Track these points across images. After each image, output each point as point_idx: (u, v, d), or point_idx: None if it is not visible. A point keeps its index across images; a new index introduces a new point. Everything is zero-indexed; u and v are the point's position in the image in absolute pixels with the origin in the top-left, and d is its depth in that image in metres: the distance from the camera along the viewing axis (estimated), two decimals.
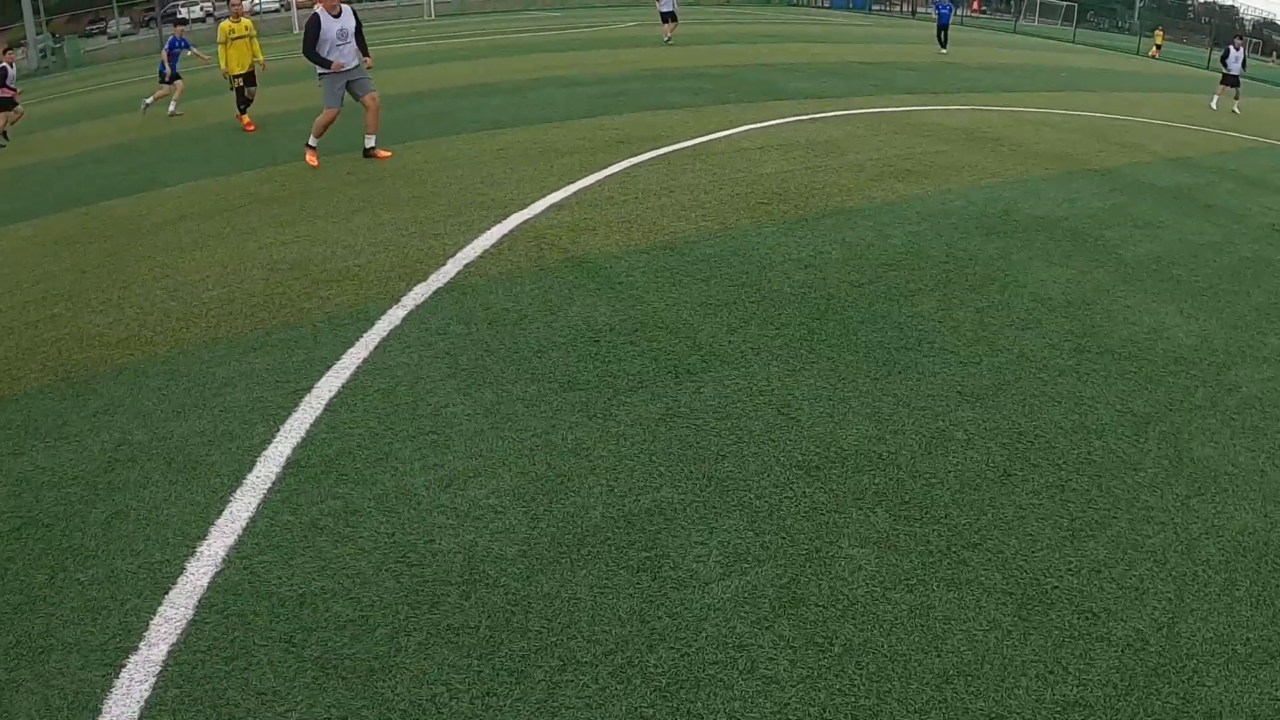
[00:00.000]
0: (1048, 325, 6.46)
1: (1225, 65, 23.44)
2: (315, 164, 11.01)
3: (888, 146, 12.15)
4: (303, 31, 10.49)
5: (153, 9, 58.78)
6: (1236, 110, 21.97)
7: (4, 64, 16.88)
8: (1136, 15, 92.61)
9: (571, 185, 9.86)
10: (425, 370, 5.60)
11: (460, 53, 24.09)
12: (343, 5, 10.47)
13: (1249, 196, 11.21)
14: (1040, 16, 78.66)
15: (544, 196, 9.42)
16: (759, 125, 13.32)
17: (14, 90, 16.88)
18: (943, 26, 30.23)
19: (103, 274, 7.52)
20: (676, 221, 8.56)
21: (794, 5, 72.09)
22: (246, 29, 14.39)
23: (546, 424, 4.96)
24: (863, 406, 5.20)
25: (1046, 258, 7.97)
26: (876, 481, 4.49)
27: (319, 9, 10.26)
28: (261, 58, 14.87)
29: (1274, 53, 62.22)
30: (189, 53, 17.54)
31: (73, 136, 16.50)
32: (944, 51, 28.91)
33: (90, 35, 58.46)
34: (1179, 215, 9.80)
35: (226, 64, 14.21)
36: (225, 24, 14.22)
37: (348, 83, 10.70)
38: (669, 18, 29.01)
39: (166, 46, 16.91)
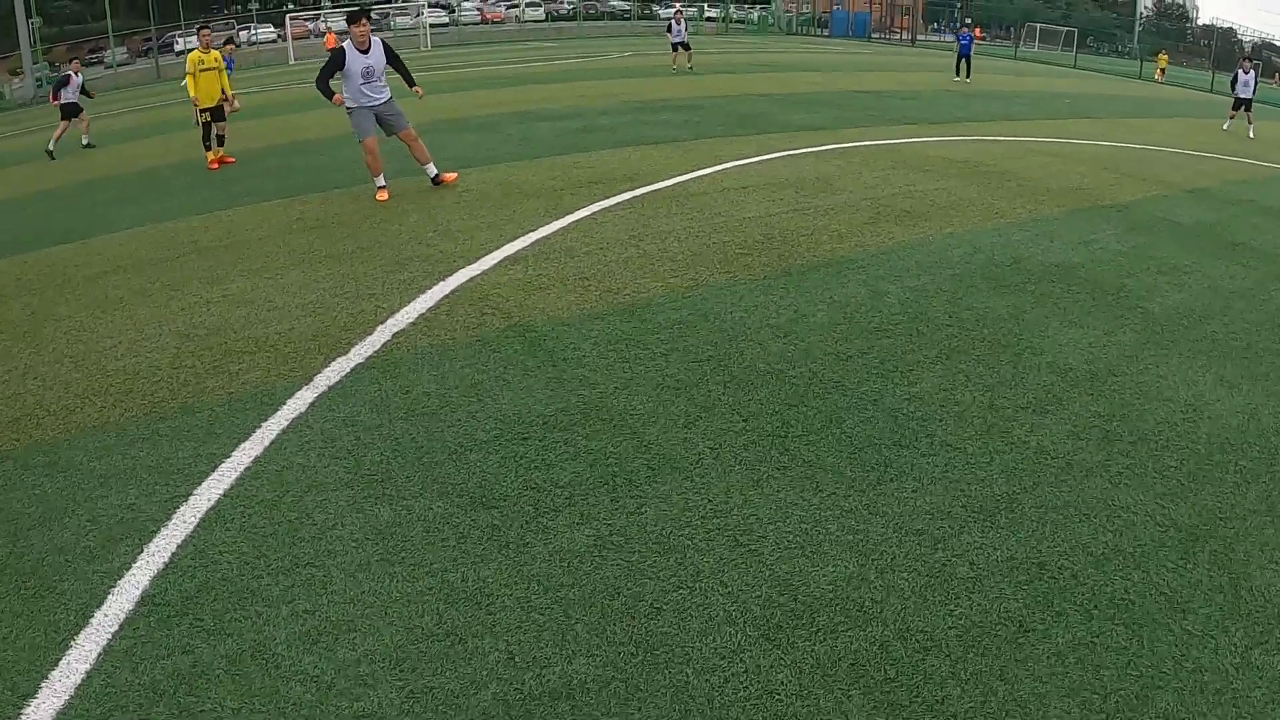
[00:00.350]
0: (1070, 406, 5.42)
1: (1234, 89, 22.89)
2: (385, 198, 10.58)
3: (884, 184, 11.14)
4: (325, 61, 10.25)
5: (150, 39, 58.69)
6: (1251, 135, 21.41)
7: (69, 72, 18.14)
8: (1136, 39, 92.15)
9: (532, 233, 8.89)
10: (320, 475, 4.65)
11: (442, 86, 23.08)
12: (372, 39, 10.16)
13: (1276, 232, 10.15)
14: (1040, 42, 78.03)
15: (499, 247, 8.46)
16: (747, 161, 12.38)
17: (74, 98, 17.89)
18: (964, 56, 29.65)
19: (17, 336, 6.90)
20: (641, 278, 7.55)
21: (792, 34, 71.45)
22: (215, 61, 13.71)
23: (447, 557, 3.99)
24: (843, 532, 4.15)
25: (1064, 316, 6.92)
26: (855, 647, 3.44)
27: (347, 43, 10.10)
28: (230, 93, 14.16)
29: (1275, 74, 61.45)
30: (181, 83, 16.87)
31: (40, 172, 15.73)
32: (967, 80, 28.53)
33: (90, 65, 58.41)
34: (1205, 256, 8.79)
35: (196, 95, 13.55)
36: (194, 54, 13.55)
37: (379, 118, 10.43)
38: (681, 47, 28.38)
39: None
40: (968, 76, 29.05)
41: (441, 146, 13.27)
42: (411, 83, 10.88)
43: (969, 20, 44.64)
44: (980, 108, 21.17)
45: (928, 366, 5.96)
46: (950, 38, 78.73)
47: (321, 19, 64.60)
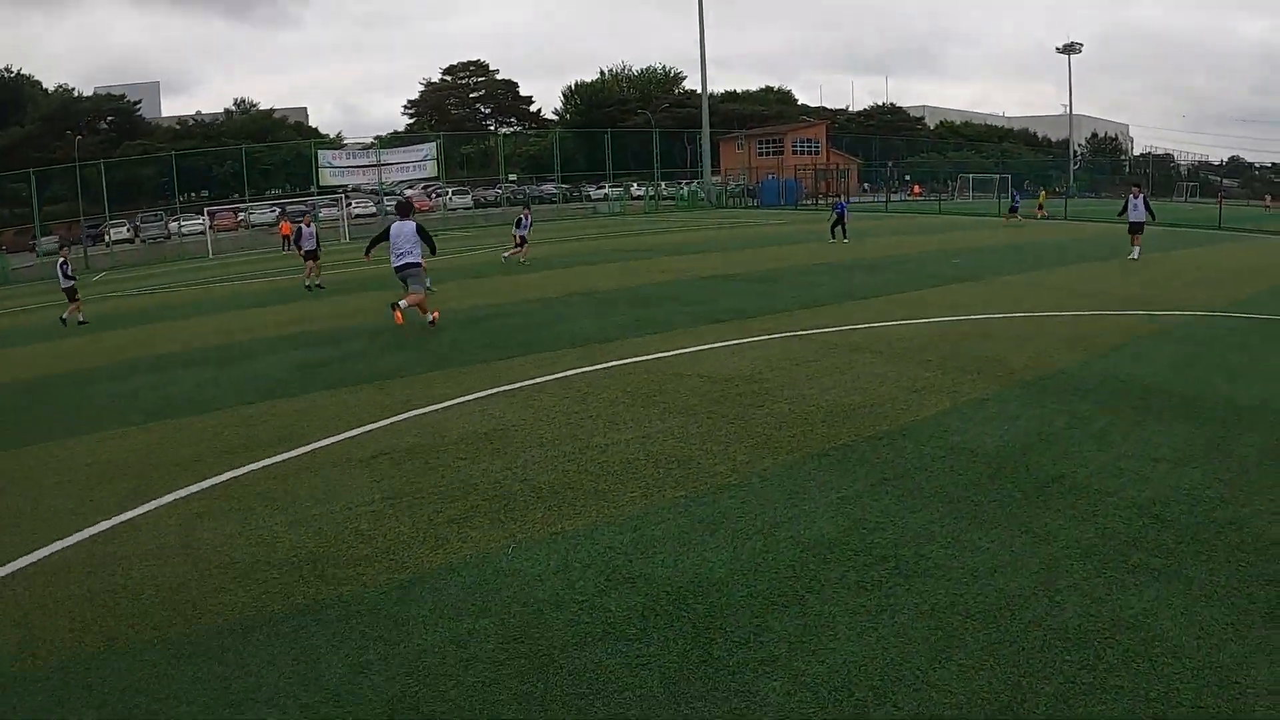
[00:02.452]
0: None
1: (1127, 214, 23.49)
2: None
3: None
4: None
5: (81, 228, 57.15)
6: (1134, 257, 22.18)
7: (61, 259, 20.37)
8: (1072, 179, 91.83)
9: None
10: None
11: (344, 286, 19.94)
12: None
13: (1125, 445, 7.18)
14: (975, 191, 77.08)
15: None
16: (605, 365, 9.19)
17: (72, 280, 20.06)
18: (840, 220, 31.09)
19: None
20: None
21: (723, 207, 70.26)
22: None
23: None
24: None
25: None
26: None
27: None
28: None
29: (1215, 194, 60.09)
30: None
31: None
32: (845, 241, 29.57)
33: (14, 252, 57.22)
34: (994, 533, 5.49)
35: None
36: None
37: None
38: (522, 240, 26.61)
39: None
40: (845, 238, 30.17)
41: (71, 408, 9.97)
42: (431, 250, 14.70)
43: (843, 192, 50.80)
44: (861, 280, 18.86)
45: None
46: (898, 195, 78.27)
47: (248, 211, 63.46)
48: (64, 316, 19.65)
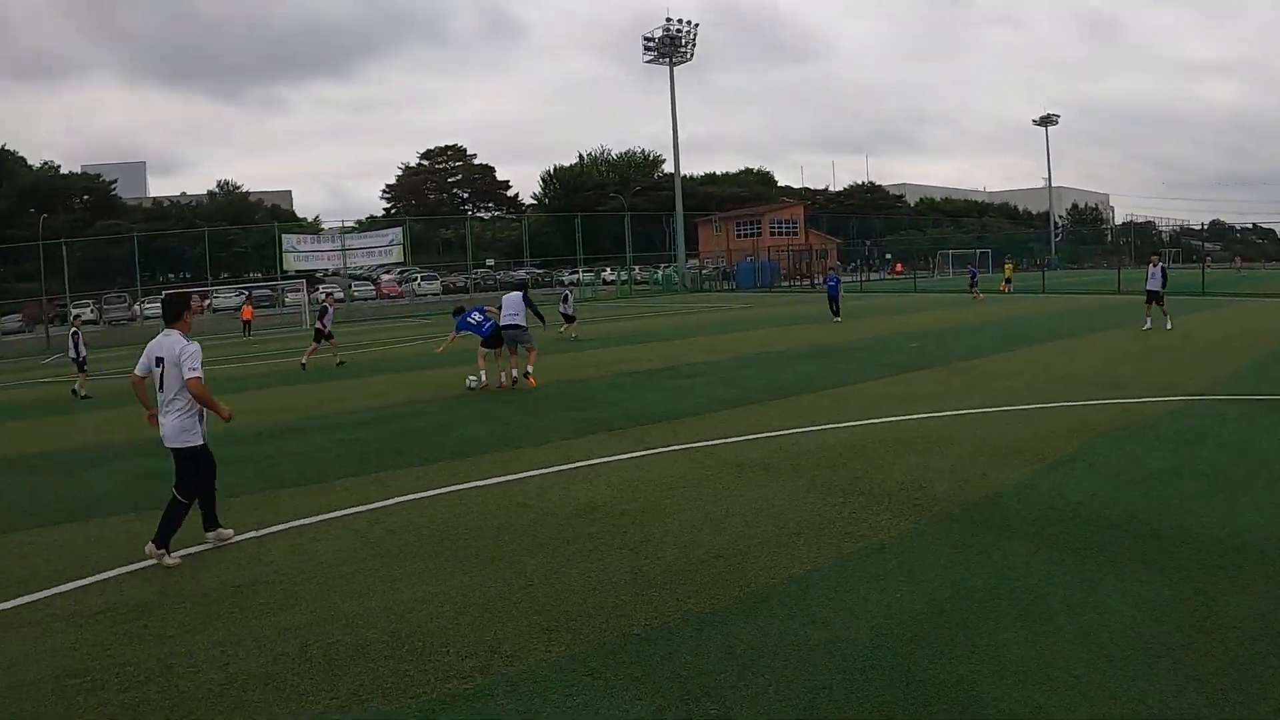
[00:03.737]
0: None
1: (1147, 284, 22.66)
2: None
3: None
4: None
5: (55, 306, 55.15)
6: (1169, 326, 21.17)
7: (75, 329, 20.81)
8: (1054, 250, 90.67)
9: None
10: None
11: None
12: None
13: (1063, 620, 5.15)
14: (956, 267, 75.61)
15: None
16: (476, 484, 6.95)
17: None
18: (832, 298, 30.63)
19: None
20: None
21: (698, 291, 68.47)
22: None
23: None
24: None
25: None
26: None
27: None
28: None
29: (1195, 257, 58.58)
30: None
31: None
32: (837, 321, 29.09)
33: None
34: None
35: None
36: None
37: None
38: (569, 318, 28.16)
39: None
40: (836, 317, 29.70)
41: None
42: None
43: (836, 264, 49.11)
44: (801, 371, 16.84)
45: None
46: (878, 274, 76.75)
47: (212, 294, 61.59)
48: (75, 388, 20.02)
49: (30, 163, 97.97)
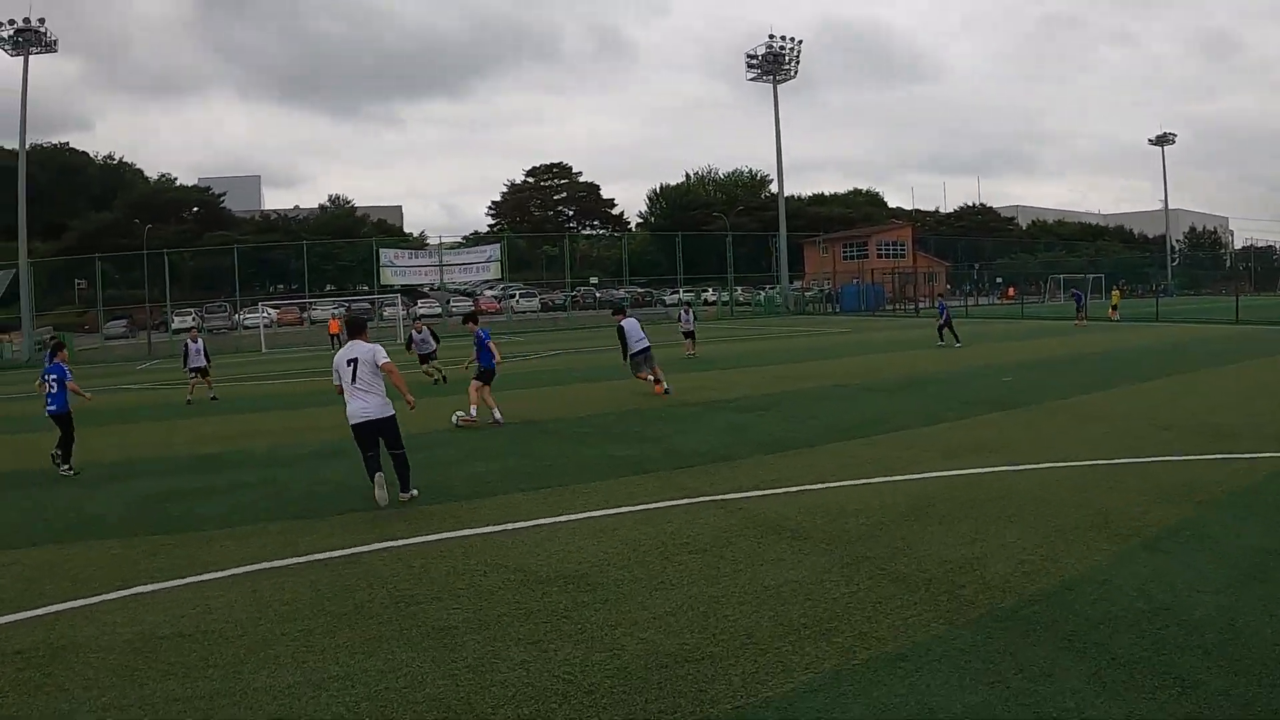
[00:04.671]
0: None
1: None
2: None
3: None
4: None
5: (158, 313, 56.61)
6: None
7: (187, 340, 21.57)
8: (1170, 276, 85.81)
9: None
10: None
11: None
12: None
13: None
14: (1066, 292, 72.02)
15: None
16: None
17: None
18: (945, 324, 28.96)
19: None
20: None
21: (801, 313, 66.56)
22: None
23: None
24: None
25: None
26: None
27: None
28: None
29: None
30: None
31: None
32: (957, 344, 27.69)
33: (86, 332, 57.41)
34: None
35: None
36: None
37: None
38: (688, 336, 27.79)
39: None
40: (956, 341, 28.12)
41: None
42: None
43: (941, 293, 46.33)
44: (869, 409, 15.37)
45: None
46: (987, 298, 73.80)
47: (310, 306, 62.08)
48: (190, 398, 20.48)
49: (147, 175, 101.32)
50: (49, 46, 54.23)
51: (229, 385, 24.73)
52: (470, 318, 15.42)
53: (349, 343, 9.43)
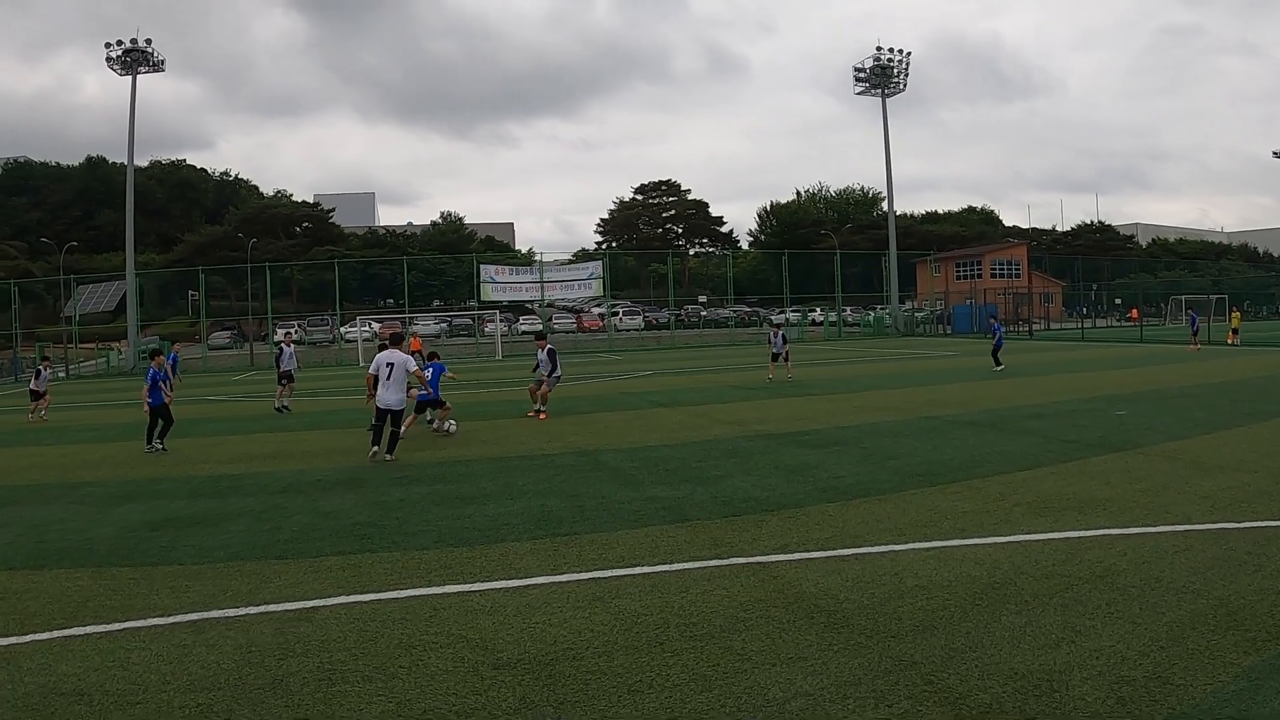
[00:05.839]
0: None
1: None
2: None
3: None
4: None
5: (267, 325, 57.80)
6: None
7: (282, 344, 21.67)
8: None
9: None
10: None
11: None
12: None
13: None
14: (1188, 312, 67.56)
15: None
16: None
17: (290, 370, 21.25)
18: (997, 347, 28.19)
19: None
20: None
21: (912, 334, 63.81)
22: None
23: None
24: None
25: None
26: None
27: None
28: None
29: None
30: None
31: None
32: (1000, 368, 26.61)
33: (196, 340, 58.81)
34: None
35: None
36: None
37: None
38: (780, 358, 26.19)
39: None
40: (996, 365, 27.22)
41: None
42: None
43: (996, 312, 44.14)
44: (954, 448, 13.60)
45: None
46: (1105, 320, 69.74)
47: (413, 321, 61.96)
48: (277, 404, 20.88)
49: (262, 191, 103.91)
50: (157, 66, 55.77)
51: (303, 399, 24.08)
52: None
53: (389, 349, 12.96)
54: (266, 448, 15.18)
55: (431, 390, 15.33)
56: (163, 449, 14.51)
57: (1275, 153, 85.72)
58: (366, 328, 52.16)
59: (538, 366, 17.79)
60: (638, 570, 7.22)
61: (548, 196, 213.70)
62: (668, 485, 10.68)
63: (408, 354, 12.85)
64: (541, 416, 17.12)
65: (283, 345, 22.09)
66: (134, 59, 54.25)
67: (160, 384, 14.82)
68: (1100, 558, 7.10)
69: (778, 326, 30.91)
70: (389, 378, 12.54)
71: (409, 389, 13.63)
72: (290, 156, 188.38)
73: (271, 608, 6.50)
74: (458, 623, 6.09)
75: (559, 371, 17.64)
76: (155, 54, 55.09)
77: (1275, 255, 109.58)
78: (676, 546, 7.91)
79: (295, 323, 59.96)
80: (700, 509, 9.35)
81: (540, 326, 48.16)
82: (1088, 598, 6.17)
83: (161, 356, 15.96)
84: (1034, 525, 8.21)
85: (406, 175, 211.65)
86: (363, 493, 10.74)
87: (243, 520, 9.56)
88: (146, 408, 14.65)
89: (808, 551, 7.60)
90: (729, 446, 13.53)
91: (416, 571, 7.39)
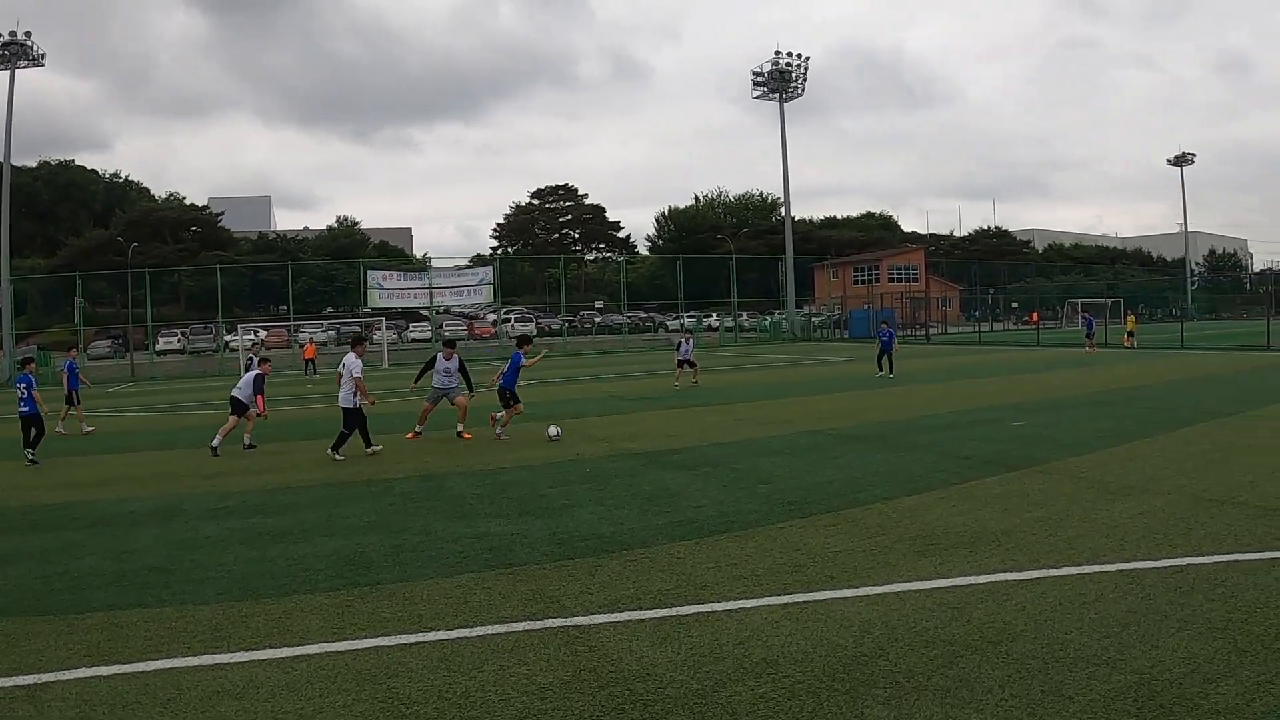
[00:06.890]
0: None
1: None
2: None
3: None
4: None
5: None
6: None
7: (258, 371, 16.94)
8: (1189, 300, 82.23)
9: None
10: None
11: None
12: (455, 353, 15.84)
13: None
14: (1084, 315, 68.71)
15: None
16: None
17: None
18: (885, 351, 27.23)
19: None
20: None
21: (808, 339, 63.44)
22: None
23: None
24: None
25: None
26: None
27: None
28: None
29: None
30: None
31: None
32: (890, 375, 26.30)
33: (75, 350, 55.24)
34: None
35: None
36: None
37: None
38: (686, 364, 25.79)
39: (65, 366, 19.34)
40: (890, 372, 26.63)
41: None
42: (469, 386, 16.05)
43: (888, 319, 44.67)
44: (835, 466, 12.49)
45: None
46: (1002, 324, 70.51)
47: (295, 329, 59.00)
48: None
49: (154, 194, 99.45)
50: (36, 61, 52.35)
51: (165, 414, 21.87)
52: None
53: (350, 354, 14.08)
54: (106, 471, 13.70)
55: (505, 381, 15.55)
56: (35, 462, 14.39)
57: (1170, 159, 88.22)
58: (251, 335, 49.33)
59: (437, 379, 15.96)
60: (431, 636, 5.82)
61: (450, 201, 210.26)
62: (505, 518, 9.21)
63: (356, 359, 13.97)
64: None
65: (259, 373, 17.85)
66: (12, 52, 50.72)
67: (33, 393, 14.72)
68: (993, 615, 5.82)
69: (689, 334, 29.97)
70: (341, 379, 13.99)
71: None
72: (191, 159, 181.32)
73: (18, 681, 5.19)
74: (196, 709, 4.67)
75: (458, 384, 15.70)
76: (35, 48, 51.57)
77: (1169, 260, 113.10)
78: (489, 602, 6.46)
79: (178, 333, 57.07)
80: (530, 549, 7.90)
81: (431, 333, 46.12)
82: (975, 676, 4.87)
83: (34, 364, 15.90)
84: (917, 569, 6.93)
85: (308, 180, 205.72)
86: (171, 527, 9.33)
87: (24, 564, 8.02)
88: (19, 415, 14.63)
89: (640, 610, 6.20)
90: (588, 469, 12.09)
91: (183, 634, 6.02)
